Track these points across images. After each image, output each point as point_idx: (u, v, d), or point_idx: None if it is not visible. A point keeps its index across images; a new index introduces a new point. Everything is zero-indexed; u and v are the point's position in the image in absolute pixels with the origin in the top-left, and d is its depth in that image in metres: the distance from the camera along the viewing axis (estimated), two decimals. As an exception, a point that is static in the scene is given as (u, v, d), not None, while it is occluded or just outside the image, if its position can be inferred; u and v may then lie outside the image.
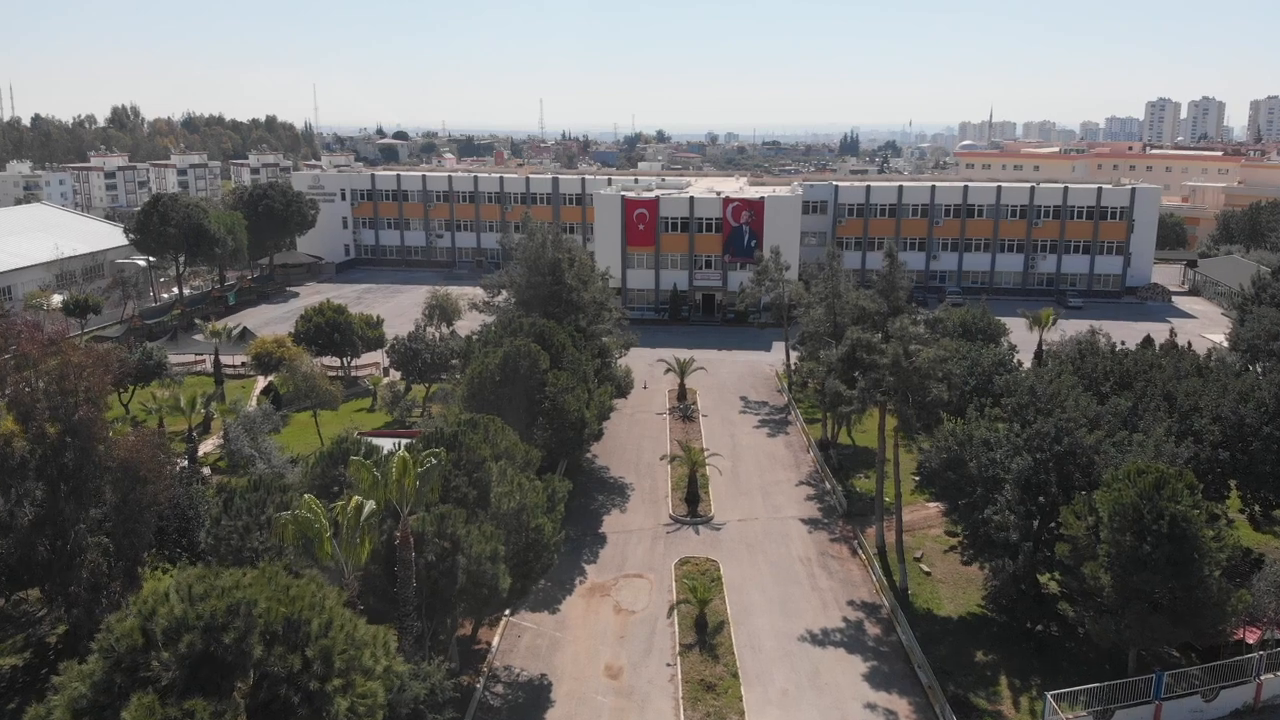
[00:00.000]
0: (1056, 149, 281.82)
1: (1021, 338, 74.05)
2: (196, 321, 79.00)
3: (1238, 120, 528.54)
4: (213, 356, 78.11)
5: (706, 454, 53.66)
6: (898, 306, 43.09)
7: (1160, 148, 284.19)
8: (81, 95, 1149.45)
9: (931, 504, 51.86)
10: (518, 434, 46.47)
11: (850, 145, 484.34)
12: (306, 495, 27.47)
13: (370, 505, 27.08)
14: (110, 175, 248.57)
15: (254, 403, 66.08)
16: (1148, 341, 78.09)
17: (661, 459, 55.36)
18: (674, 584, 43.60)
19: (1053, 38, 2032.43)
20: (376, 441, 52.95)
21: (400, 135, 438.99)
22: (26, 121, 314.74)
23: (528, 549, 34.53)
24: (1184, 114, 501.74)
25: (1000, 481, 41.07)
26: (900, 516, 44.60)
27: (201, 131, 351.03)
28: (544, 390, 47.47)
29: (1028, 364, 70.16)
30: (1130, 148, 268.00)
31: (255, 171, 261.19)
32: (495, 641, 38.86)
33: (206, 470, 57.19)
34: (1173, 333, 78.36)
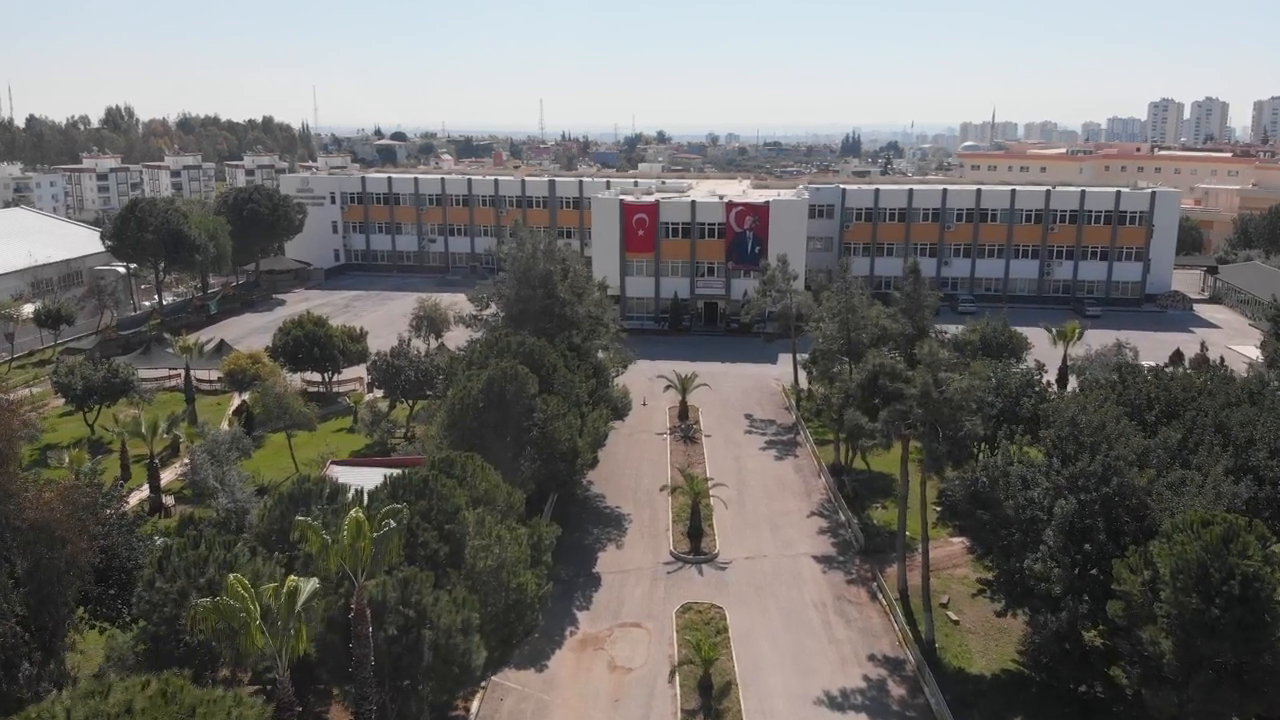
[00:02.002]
0: (1063, 150, 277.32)
1: (1043, 351, 69.88)
2: (166, 336, 74.66)
3: (1239, 120, 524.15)
4: (188, 372, 74.18)
5: (710, 484, 49.37)
6: (922, 327, 38.82)
7: (1168, 149, 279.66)
8: (82, 96, 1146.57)
9: (955, 539, 47.59)
10: (503, 467, 42.40)
11: (852, 146, 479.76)
12: (232, 576, 23.18)
13: (312, 585, 22.86)
14: (102, 177, 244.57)
15: (225, 424, 61.86)
16: (1177, 356, 73.98)
17: (661, 489, 51.06)
18: (675, 635, 39.33)
19: (1052, 38, 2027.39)
20: (348, 474, 48.95)
21: (398, 136, 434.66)
22: (20, 122, 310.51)
23: (508, 610, 30.29)
24: (1187, 114, 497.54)
25: (1039, 523, 36.89)
26: (927, 560, 40.28)
27: (197, 132, 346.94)
28: (532, 417, 43.25)
29: (1049, 380, 66.08)
30: (1138, 149, 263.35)
31: (250, 173, 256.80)
32: (475, 708, 34.56)
33: (170, 500, 53.02)
34: (1204, 347, 74.08)
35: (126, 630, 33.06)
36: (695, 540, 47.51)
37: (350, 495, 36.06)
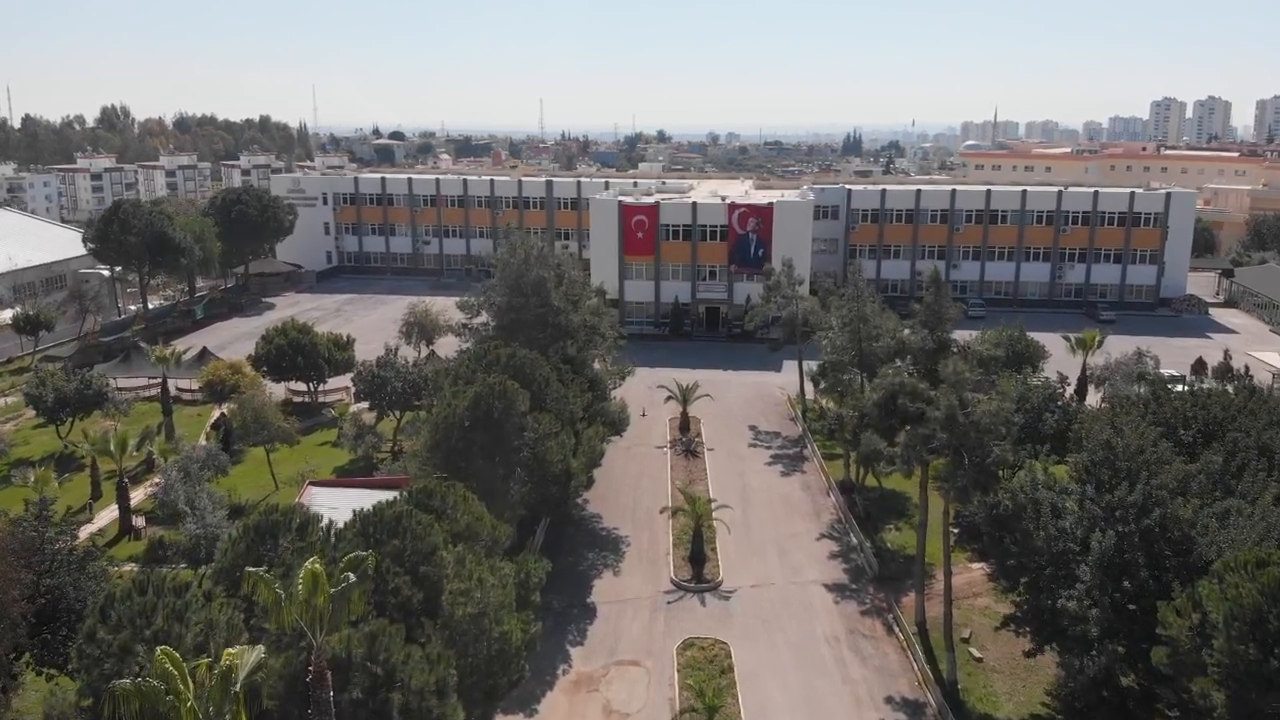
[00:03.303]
0: (1068, 149, 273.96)
1: (1059, 359, 66.87)
2: (142, 345, 71.63)
3: (1240, 120, 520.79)
4: (169, 381, 71.14)
5: (714, 505, 46.34)
6: (944, 340, 35.81)
7: (1174, 148, 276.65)
8: (81, 96, 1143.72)
9: (974, 564, 44.63)
10: (491, 490, 39.44)
11: (853, 145, 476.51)
12: (161, 649, 20.17)
13: (257, 654, 19.87)
14: (96, 177, 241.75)
15: (203, 437, 58.90)
16: (1200, 365, 71.04)
17: (662, 511, 48.05)
18: (676, 676, 36.34)
19: (1052, 37, 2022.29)
20: (328, 496, 46.01)
21: (396, 136, 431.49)
22: (15, 122, 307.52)
23: (491, 662, 27.30)
24: (1189, 113, 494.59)
25: (1071, 556, 33.93)
26: (950, 594, 37.29)
27: (193, 132, 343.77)
28: (523, 436, 40.21)
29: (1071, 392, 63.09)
30: (1144, 148, 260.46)
31: (246, 173, 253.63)
32: (456, 760, 31.53)
33: (140, 521, 50.02)
34: (1228, 355, 70.99)
35: (75, 679, 30.16)
36: (697, 566, 44.53)
37: (324, 525, 33.24)
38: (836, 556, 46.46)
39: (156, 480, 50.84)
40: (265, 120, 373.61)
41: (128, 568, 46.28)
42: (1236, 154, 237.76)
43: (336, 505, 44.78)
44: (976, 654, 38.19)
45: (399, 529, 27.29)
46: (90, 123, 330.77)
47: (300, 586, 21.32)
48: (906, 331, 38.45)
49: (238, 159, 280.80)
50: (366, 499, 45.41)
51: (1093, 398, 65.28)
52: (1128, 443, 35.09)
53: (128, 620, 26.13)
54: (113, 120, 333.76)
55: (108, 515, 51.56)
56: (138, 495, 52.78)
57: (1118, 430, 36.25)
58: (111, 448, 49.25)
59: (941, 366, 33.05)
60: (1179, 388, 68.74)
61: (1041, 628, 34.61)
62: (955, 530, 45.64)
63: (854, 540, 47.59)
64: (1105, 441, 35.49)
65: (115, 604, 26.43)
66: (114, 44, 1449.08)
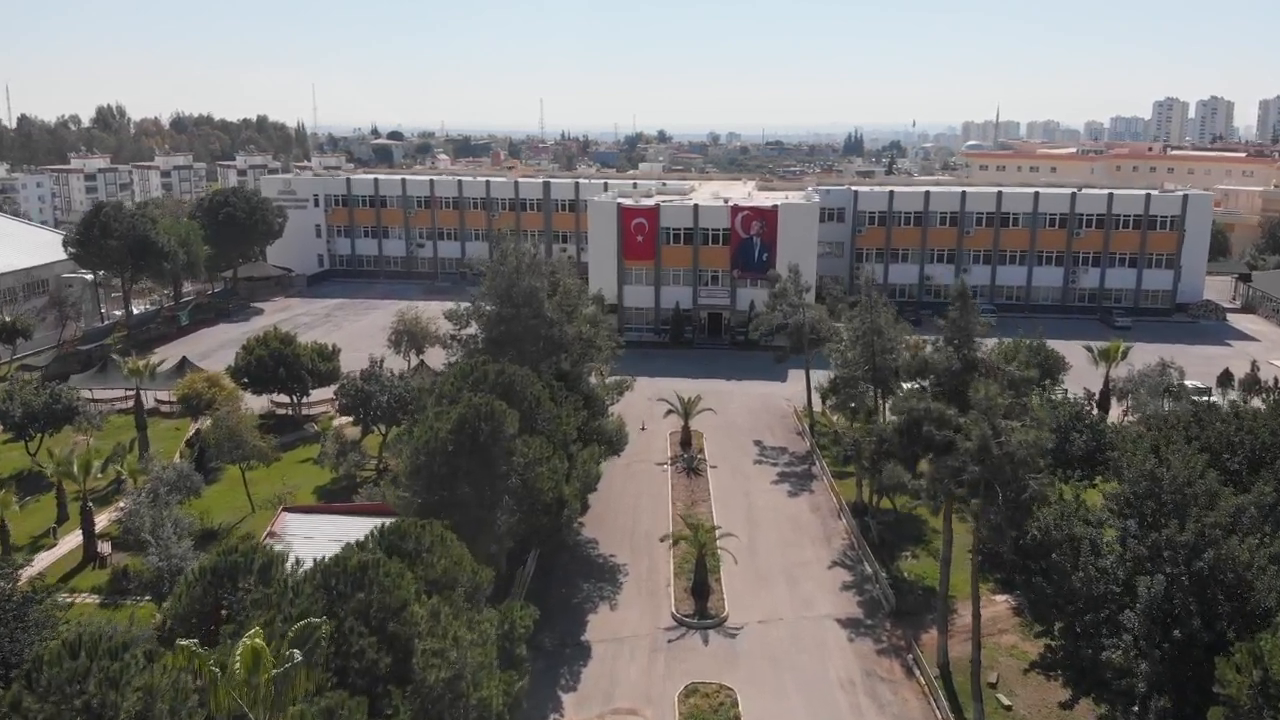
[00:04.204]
0: (1073, 150, 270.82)
1: (1080, 370, 63.73)
2: (114, 356, 68.49)
3: (1241, 119, 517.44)
4: (147, 393, 68.02)
5: (718, 533, 43.18)
6: (971, 360, 32.67)
7: (1180, 148, 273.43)
8: (81, 97, 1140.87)
9: (999, 596, 41.57)
10: (477, 520, 36.40)
11: (855, 145, 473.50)
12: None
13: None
14: (90, 178, 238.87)
15: (177, 455, 55.77)
16: (1226, 377, 67.91)
17: (662, 540, 44.86)
18: (678, 728, 33.24)
19: (1052, 37, 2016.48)
20: (303, 525, 42.90)
21: (395, 136, 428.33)
22: (11, 123, 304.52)
23: (469, 730, 24.17)
24: (1192, 113, 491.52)
25: (1113, 599, 30.82)
26: (979, 638, 34.14)
27: (190, 132, 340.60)
28: (511, 461, 37.08)
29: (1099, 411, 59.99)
30: (1150, 148, 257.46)
31: (242, 173, 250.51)
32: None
33: (106, 548, 46.90)
34: (1255, 367, 67.89)
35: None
36: (700, 599, 41.40)
37: (290, 565, 30.20)
38: (850, 587, 43.30)
39: (122, 504, 47.71)
40: (263, 120, 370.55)
41: (87, 600, 43.41)
42: (1244, 154, 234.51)
43: (311, 535, 41.80)
44: (1005, 701, 35.04)
45: (364, 581, 24.17)
46: (85, 123, 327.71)
47: (238, 665, 18.21)
48: (929, 348, 35.32)
49: (234, 159, 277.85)
50: (343, 527, 42.41)
51: (1116, 412, 62.23)
52: (1174, 474, 31.93)
53: (57, 687, 22.97)
54: (108, 120, 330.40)
55: (73, 540, 48.45)
56: (104, 519, 49.65)
57: (1162, 459, 33.10)
58: (75, 469, 46.17)
59: (972, 392, 29.92)
60: (1203, 399, 66.00)
61: (1080, 678, 31.55)
62: (976, 557, 42.61)
63: (868, 569, 44.45)
64: (1149, 472, 32.31)
65: (44, 668, 23.29)
66: (115, 44, 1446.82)
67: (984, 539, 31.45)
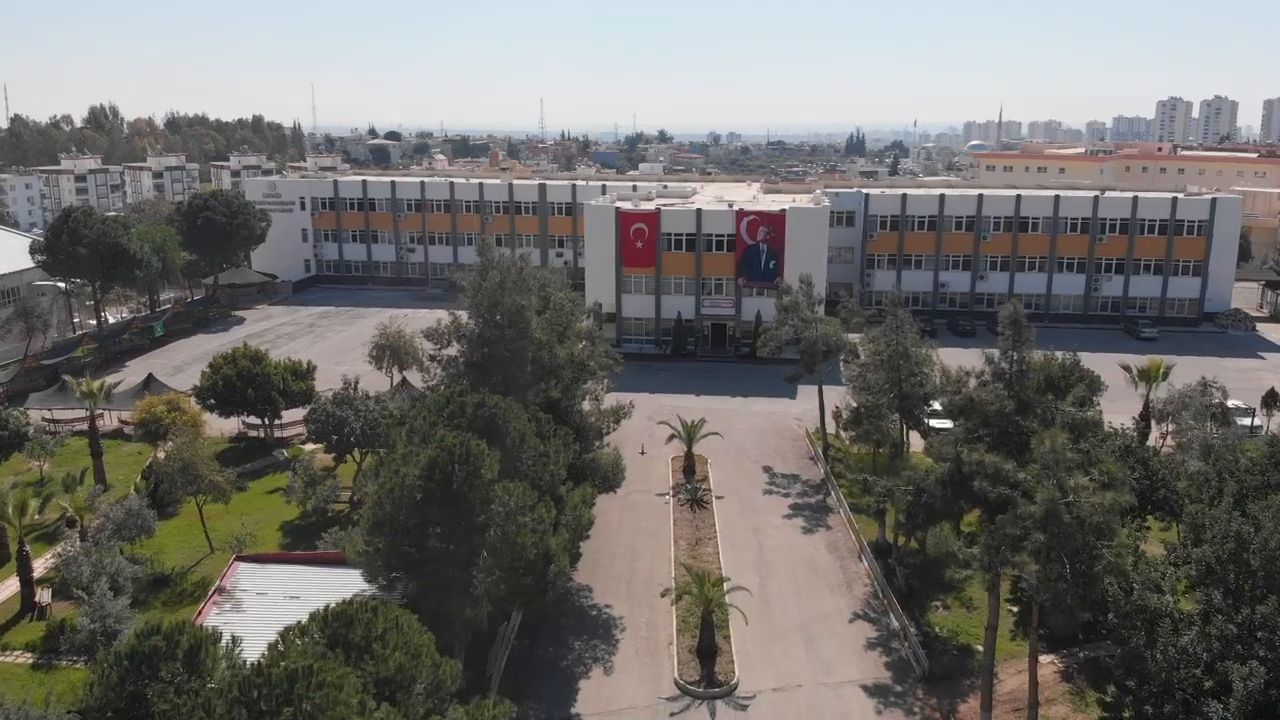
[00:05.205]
0: (1081, 150, 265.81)
1: (1116, 389, 58.76)
2: (65, 378, 63.51)
3: (1244, 119, 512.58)
4: (110, 413, 63.35)
5: (727, 586, 38.28)
6: (1026, 401, 27.81)
7: (1190, 148, 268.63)
8: (80, 97, 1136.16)
9: (1045, 657, 36.67)
10: (449, 583, 31.60)
11: (856, 145, 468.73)
12: None
13: None
14: (81, 179, 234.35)
15: (132, 489, 50.86)
16: (1272, 397, 63.00)
17: (664, 595, 39.93)
18: (682, 831, 28.39)
19: (1051, 38, 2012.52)
20: (256, 578, 38.05)
21: (392, 135, 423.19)
22: (4, 122, 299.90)
23: None
24: (1195, 113, 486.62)
25: (1196, 684, 26.01)
26: (1036, 715, 29.29)
27: (184, 132, 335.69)
28: (489, 510, 32.22)
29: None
30: (1159, 148, 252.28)
31: (236, 174, 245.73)
32: None
33: (45, 597, 41.98)
34: (1305, 385, 62.85)
35: None
36: (707, 662, 36.54)
37: (225, 644, 25.39)
38: (875, 645, 38.41)
39: (59, 549, 42.87)
40: (258, 120, 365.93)
41: (18, 660, 38.55)
42: (1256, 155, 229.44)
43: (264, 590, 36.97)
44: (1062, 793, 30.22)
45: (293, 695, 19.31)
46: (78, 123, 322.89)
47: None
48: (973, 382, 30.45)
49: (228, 160, 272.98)
50: (300, 580, 37.51)
51: (1153, 434, 57.38)
52: (1265, 536, 27.09)
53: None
54: (100, 120, 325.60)
55: (11, 586, 43.59)
56: (46, 562, 44.71)
57: (1248, 516, 28.26)
58: (9, 510, 41.33)
59: (1037, 444, 25.08)
60: (1246, 422, 61.01)
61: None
62: (1014, 610, 37.81)
63: (895, 623, 39.58)
64: (1235, 533, 27.49)
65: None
66: (115, 45, 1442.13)
67: (1058, 617, 26.61)
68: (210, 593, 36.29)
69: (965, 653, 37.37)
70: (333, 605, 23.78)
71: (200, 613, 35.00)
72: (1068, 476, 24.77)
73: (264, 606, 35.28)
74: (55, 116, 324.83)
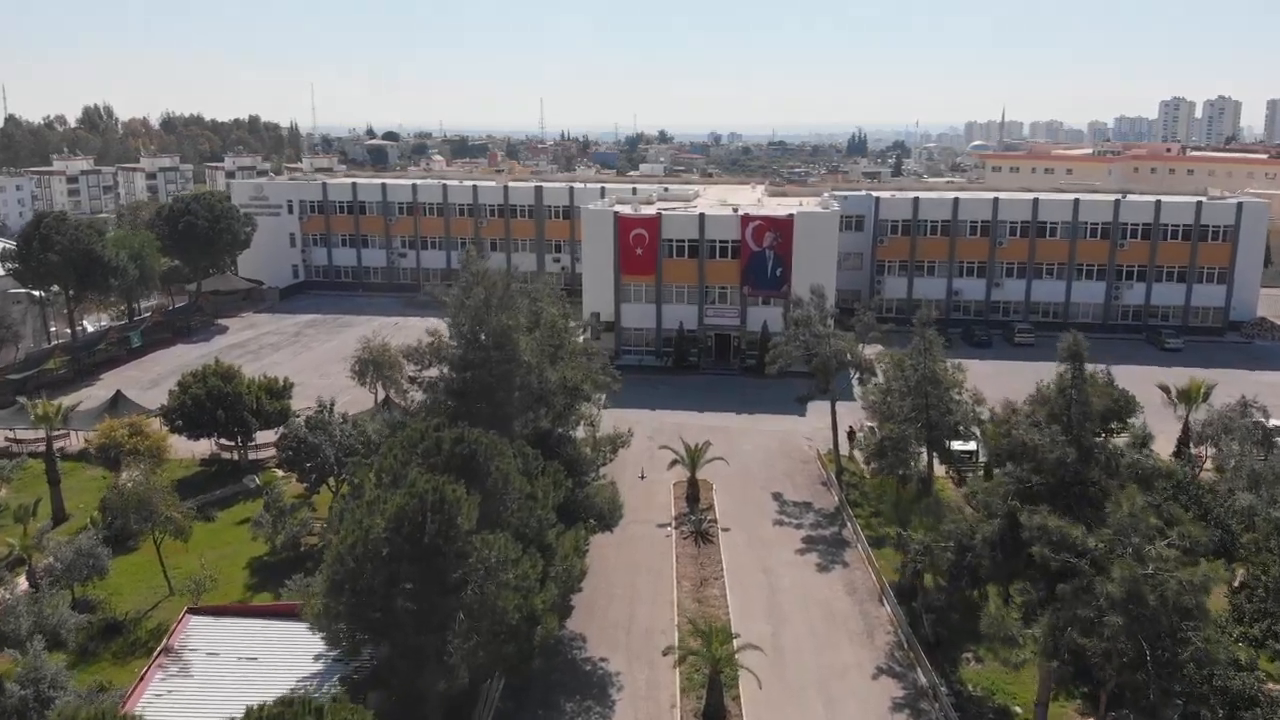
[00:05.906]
0: (1088, 150, 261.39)
1: (1153, 410, 54.71)
2: (19, 399, 59.50)
3: (1248, 119, 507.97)
4: (74, 433, 59.48)
5: (737, 644, 34.24)
6: (1088, 448, 23.82)
7: (1198, 149, 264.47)
8: (78, 97, 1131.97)
9: (1087, 718, 32.68)
10: (419, 651, 27.68)
11: (858, 145, 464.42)
12: None
13: None
14: (73, 180, 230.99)
15: (89, 521, 46.83)
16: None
17: (665, 654, 35.85)
18: None
19: (1052, 37, 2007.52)
20: (207, 634, 33.96)
21: (390, 136, 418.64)
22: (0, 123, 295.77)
23: None
24: (1198, 113, 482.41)
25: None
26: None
27: (179, 132, 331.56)
28: (466, 565, 28.23)
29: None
30: (1168, 149, 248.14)
31: (230, 175, 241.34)
32: None
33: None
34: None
35: None
36: (714, 729, 32.54)
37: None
38: (902, 707, 34.36)
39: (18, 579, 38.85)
40: (254, 120, 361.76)
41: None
42: (1265, 156, 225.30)
43: (216, 650, 32.81)
44: None
45: None
46: (72, 123, 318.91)
47: None
48: (1029, 426, 26.37)
49: (222, 160, 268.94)
50: (256, 637, 33.45)
51: (1205, 462, 53.34)
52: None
53: None
54: (95, 120, 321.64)
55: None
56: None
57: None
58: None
59: (1112, 508, 21.08)
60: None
61: None
62: (1054, 664, 33.73)
63: (923, 679, 35.57)
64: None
65: None
66: (113, 45, 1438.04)
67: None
68: (155, 654, 32.23)
69: (1003, 716, 33.37)
70: (268, 707, 19.77)
71: (143, 678, 30.97)
72: (1145, 543, 20.79)
73: (215, 670, 31.28)
74: (49, 116, 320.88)
